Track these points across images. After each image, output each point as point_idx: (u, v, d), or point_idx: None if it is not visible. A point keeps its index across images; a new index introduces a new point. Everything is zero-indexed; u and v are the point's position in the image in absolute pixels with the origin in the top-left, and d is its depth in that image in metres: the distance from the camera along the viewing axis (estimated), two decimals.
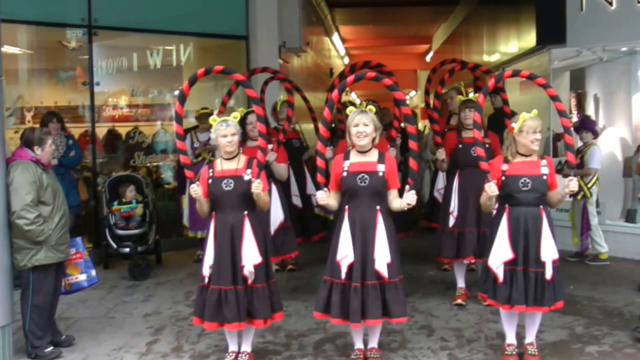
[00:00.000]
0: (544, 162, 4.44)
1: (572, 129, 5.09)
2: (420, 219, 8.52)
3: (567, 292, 6.10)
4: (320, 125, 4.52)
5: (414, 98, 24.09)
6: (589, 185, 7.06)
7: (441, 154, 5.89)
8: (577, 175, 7.08)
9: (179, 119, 4.47)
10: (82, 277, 5.11)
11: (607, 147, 8.23)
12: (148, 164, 8.42)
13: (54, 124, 6.95)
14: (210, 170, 4.40)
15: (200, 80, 4.53)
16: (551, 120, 8.01)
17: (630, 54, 8.12)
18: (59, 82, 8.08)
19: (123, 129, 8.71)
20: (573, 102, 9.24)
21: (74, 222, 7.05)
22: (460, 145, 5.78)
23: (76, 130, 8.08)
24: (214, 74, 4.59)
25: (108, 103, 8.71)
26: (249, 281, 4.29)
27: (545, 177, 4.39)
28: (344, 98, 11.25)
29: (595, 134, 7.20)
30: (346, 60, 19.10)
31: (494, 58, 10.67)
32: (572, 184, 4.31)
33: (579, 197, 7.12)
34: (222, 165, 4.39)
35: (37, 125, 7.08)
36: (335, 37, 16.28)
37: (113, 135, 8.68)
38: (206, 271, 4.31)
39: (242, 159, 4.40)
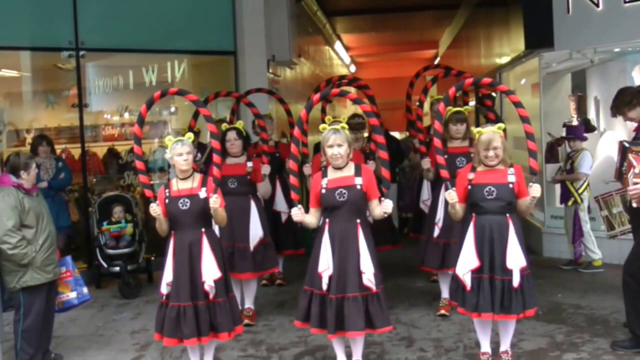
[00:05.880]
0: (512, 170, 4.66)
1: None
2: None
3: (555, 300, 6.35)
4: (291, 144, 4.82)
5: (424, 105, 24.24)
6: (580, 191, 7.24)
7: (426, 163, 6.11)
8: (568, 180, 7.35)
9: (137, 140, 4.81)
10: (73, 295, 5.46)
11: (606, 151, 8.41)
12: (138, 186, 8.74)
13: (44, 147, 7.39)
14: (167, 190, 4.71)
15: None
16: (542, 125, 8.25)
17: (624, 54, 8.31)
18: (49, 104, 8.54)
19: (119, 149, 9.11)
20: (572, 105, 9.43)
21: (65, 243, 7.48)
22: (445, 156, 6.01)
23: (74, 151, 8.53)
24: (169, 95, 4.94)
25: (102, 123, 9.16)
26: (211, 296, 4.60)
27: (511, 186, 4.61)
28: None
29: (582, 139, 7.41)
30: (352, 68, 19.43)
31: (491, 62, 10.91)
32: (533, 190, 4.54)
33: (570, 203, 7.33)
34: (177, 185, 4.70)
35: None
36: (338, 45, 16.62)
37: (112, 155, 9.08)
38: (164, 289, 4.64)
39: (197, 177, 4.72)
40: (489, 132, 4.61)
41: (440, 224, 5.97)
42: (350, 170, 4.60)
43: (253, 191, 6.04)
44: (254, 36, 8.83)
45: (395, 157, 8.90)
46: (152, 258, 7.65)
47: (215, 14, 8.87)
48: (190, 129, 6.39)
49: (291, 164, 4.70)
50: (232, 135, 5.89)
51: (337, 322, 4.51)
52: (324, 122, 7.26)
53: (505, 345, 4.82)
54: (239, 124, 6.06)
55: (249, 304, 6.08)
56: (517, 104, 4.72)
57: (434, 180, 6.19)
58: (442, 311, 6.02)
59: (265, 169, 6.08)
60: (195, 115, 6.42)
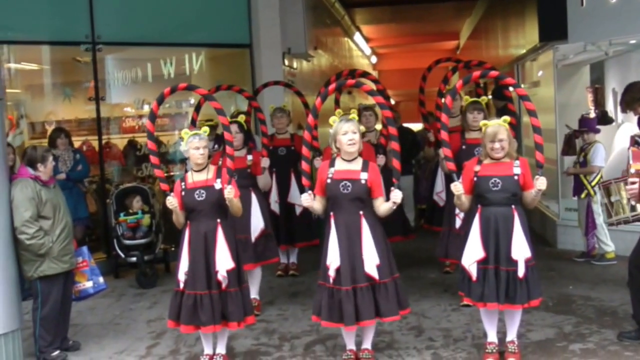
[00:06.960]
0: (517, 162, 4.77)
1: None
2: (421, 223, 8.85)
3: (565, 291, 6.44)
4: (304, 131, 4.98)
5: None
6: (593, 183, 7.30)
7: (441, 152, 6.23)
8: (581, 173, 7.42)
9: (150, 135, 5.02)
10: (89, 284, 5.68)
11: (623, 143, 8.44)
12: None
13: (62, 140, 7.64)
14: (183, 183, 4.90)
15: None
16: (557, 118, 8.29)
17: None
18: (66, 97, 8.78)
19: (139, 141, 9.32)
20: (590, 97, 9.45)
21: (84, 233, 7.72)
22: (463, 147, 6.10)
23: (94, 143, 8.77)
24: (179, 90, 5.14)
25: (120, 115, 9.39)
26: (223, 286, 4.77)
27: (516, 178, 4.72)
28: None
29: (595, 131, 7.48)
30: (373, 59, 19.50)
31: (509, 54, 10.96)
32: (539, 182, 4.66)
33: (583, 195, 7.39)
34: (193, 177, 4.88)
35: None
36: (358, 37, 16.70)
37: (131, 146, 9.32)
38: (181, 277, 4.82)
39: (211, 169, 4.91)
40: (494, 125, 4.73)
41: (461, 215, 6.04)
42: (357, 164, 4.74)
43: (254, 184, 6.21)
44: (269, 29, 8.99)
45: (411, 149, 9.05)
46: (172, 248, 7.80)
47: (231, 7, 9.06)
48: (193, 121, 6.57)
49: (304, 150, 4.85)
50: (233, 128, 6.04)
51: (355, 313, 4.65)
52: None
53: (511, 335, 4.93)
54: (241, 118, 6.23)
55: (254, 293, 6.22)
56: (524, 97, 4.83)
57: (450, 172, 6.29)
58: (466, 301, 6.12)
59: (265, 162, 6.24)
60: (197, 107, 6.61)
